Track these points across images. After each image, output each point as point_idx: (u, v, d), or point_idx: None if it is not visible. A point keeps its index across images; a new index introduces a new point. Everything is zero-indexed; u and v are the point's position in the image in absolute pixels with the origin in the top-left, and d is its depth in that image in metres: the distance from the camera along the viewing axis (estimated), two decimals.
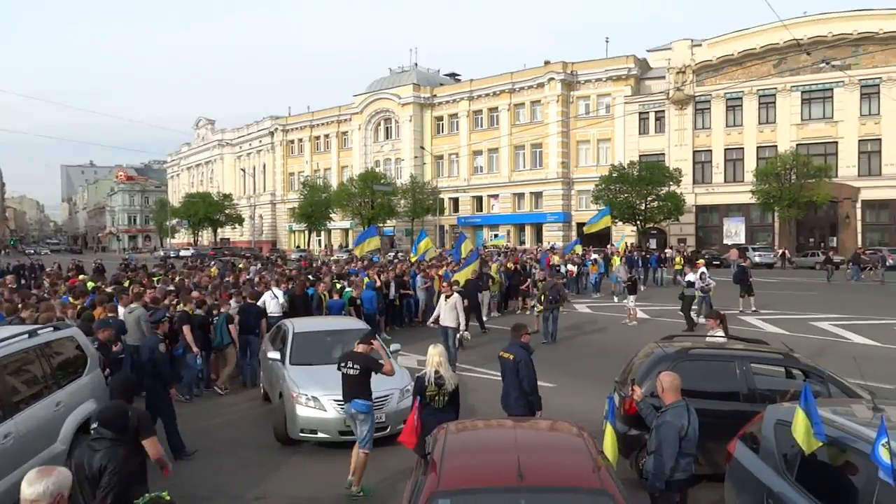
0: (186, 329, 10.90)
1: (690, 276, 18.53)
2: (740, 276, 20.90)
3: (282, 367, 9.58)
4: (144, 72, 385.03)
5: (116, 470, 4.39)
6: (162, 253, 71.37)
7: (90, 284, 15.76)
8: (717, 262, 38.91)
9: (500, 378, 7.90)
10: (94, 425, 4.76)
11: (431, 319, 14.36)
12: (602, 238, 41.90)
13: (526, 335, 7.69)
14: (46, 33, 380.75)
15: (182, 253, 65.94)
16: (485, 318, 18.60)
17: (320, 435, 8.61)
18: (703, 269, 19.10)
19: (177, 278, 18.78)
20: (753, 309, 20.21)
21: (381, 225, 53.38)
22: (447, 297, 13.39)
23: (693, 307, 18.04)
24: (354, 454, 7.21)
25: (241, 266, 27.10)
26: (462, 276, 17.38)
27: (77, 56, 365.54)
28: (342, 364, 7.36)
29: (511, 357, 7.45)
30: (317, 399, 8.59)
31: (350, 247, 59.85)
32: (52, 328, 7.42)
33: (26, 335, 6.76)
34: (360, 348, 7.43)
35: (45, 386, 6.67)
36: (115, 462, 4.44)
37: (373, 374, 7.30)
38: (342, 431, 8.38)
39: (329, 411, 8.50)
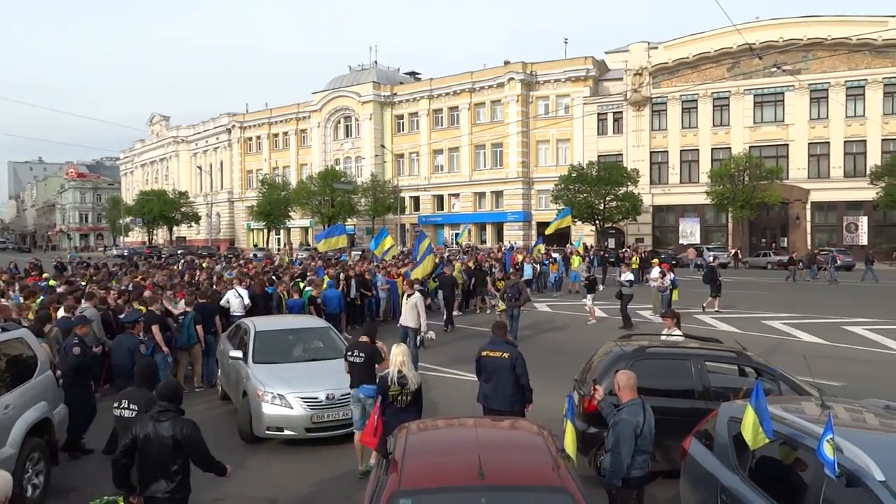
0: (156, 329, 10.71)
1: (628, 276, 18.77)
2: (710, 276, 21.19)
3: (244, 365, 9.48)
4: (96, 67, 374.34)
5: (193, 433, 5.05)
6: (119, 251, 69.50)
7: (52, 283, 15.37)
8: (674, 262, 39.66)
9: (465, 377, 7.95)
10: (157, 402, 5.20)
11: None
12: (562, 237, 42.40)
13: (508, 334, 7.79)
14: None
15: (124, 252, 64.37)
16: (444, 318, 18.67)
17: (287, 432, 8.61)
18: (660, 268, 19.53)
19: (138, 277, 18.40)
20: (716, 309, 20.55)
21: (342, 223, 52.95)
22: (408, 296, 13.35)
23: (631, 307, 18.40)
24: (357, 440, 7.51)
25: (204, 264, 26.66)
26: (418, 272, 17.44)
27: (23, 49, 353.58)
28: (349, 353, 8.03)
29: (507, 355, 7.43)
30: (283, 397, 8.59)
31: (311, 244, 59.44)
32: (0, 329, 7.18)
33: None
34: (363, 339, 8.09)
35: None
36: (188, 427, 5.03)
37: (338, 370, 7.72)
38: (308, 428, 8.50)
39: (295, 408, 8.52)
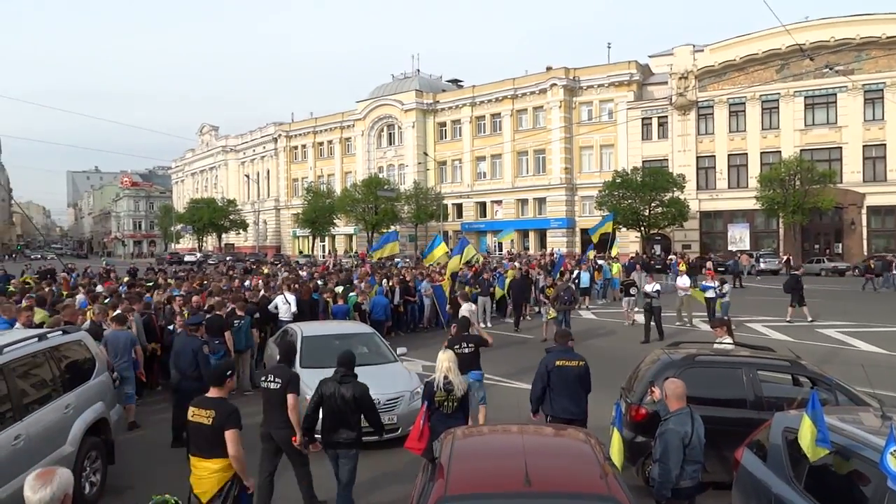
0: (228, 335, 11.05)
1: (654, 286, 18.17)
2: (793, 285, 19.69)
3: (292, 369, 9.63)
4: (149, 78, 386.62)
5: (366, 394, 6.38)
6: (192, 256, 71.16)
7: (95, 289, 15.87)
8: (722, 269, 38.83)
9: (510, 384, 7.90)
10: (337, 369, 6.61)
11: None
12: (605, 245, 41.79)
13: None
14: (51, 41, 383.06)
15: (187, 258, 66.07)
16: (482, 326, 18.57)
17: None
18: (718, 280, 19.15)
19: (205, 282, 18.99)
20: (810, 319, 19.19)
21: (384, 230, 53.42)
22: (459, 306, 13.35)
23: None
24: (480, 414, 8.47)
25: (265, 270, 27.14)
26: (451, 266, 17.90)
27: (82, 62, 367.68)
28: (457, 345, 8.70)
29: (582, 363, 7.40)
30: None
31: (356, 251, 60.08)
32: (60, 332, 7.46)
33: (36, 338, 6.80)
34: (472, 330, 9.00)
35: (54, 389, 6.69)
36: (363, 389, 6.40)
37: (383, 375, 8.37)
38: None
39: None
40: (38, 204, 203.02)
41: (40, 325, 9.25)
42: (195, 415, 5.40)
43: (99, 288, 17.37)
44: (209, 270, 29.14)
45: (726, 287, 18.99)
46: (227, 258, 57.03)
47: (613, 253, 30.98)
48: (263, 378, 6.81)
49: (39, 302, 11.68)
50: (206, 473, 5.23)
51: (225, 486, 5.24)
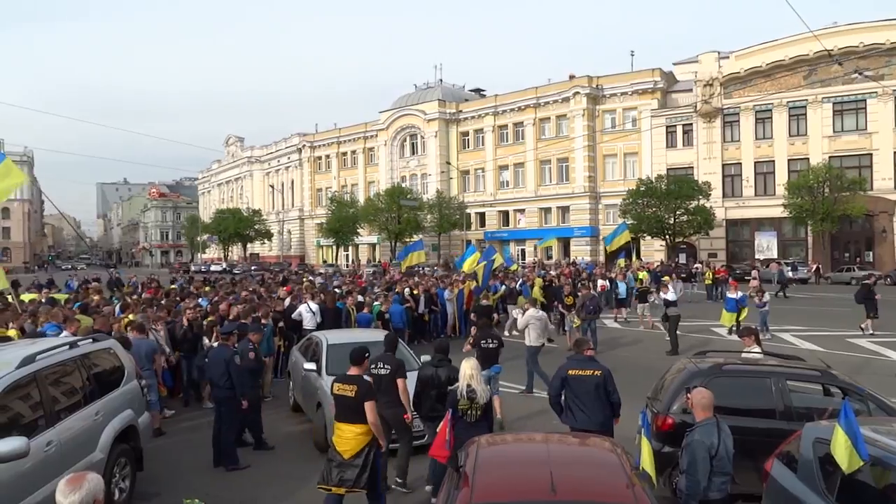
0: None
1: (670, 294, 17.90)
2: (865, 295, 18.70)
3: (318, 377, 9.72)
4: (176, 92, 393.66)
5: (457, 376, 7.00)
6: (197, 268, 72.27)
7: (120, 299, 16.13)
8: (748, 278, 38.29)
9: (540, 395, 7.83)
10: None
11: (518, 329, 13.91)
12: (628, 253, 41.47)
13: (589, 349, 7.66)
14: (84, 58, 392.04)
15: (213, 267, 66.94)
16: (506, 334, 18.51)
17: None
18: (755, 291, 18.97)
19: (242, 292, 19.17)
20: (871, 332, 18.33)
21: (408, 239, 53.61)
22: (524, 311, 13.17)
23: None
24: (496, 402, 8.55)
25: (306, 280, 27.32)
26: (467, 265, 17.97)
27: (111, 77, 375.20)
28: (483, 341, 9.94)
29: (598, 373, 7.20)
30: None
31: (377, 261, 60.35)
32: (91, 339, 7.58)
33: (67, 346, 6.92)
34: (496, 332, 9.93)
35: (84, 396, 6.80)
36: (455, 370, 7.16)
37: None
38: None
39: None
40: (69, 215, 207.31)
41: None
42: (340, 389, 6.47)
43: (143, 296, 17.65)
44: (241, 279, 29.41)
45: (766, 297, 18.71)
46: (252, 268, 57.63)
47: (634, 263, 30.69)
48: (373, 366, 7.57)
49: (83, 309, 11.96)
50: (350, 436, 6.32)
51: (364, 447, 6.28)
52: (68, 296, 18.43)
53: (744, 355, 8.61)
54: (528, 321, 12.53)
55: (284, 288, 19.33)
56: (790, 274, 38.55)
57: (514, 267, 32.02)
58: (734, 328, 18.51)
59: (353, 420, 6.31)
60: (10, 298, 13.57)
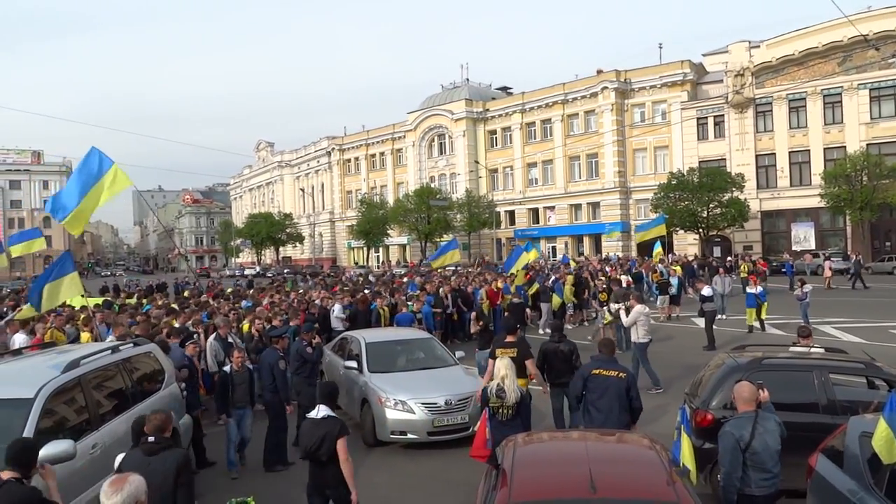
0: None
1: (707, 290, 17.54)
2: None
3: (360, 375, 9.95)
4: (208, 99, 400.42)
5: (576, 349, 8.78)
6: (231, 272, 73.39)
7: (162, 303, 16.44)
8: (783, 270, 37.52)
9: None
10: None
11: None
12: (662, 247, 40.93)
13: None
14: (121, 72, 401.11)
15: (247, 271, 67.84)
16: (541, 332, 18.48)
17: (410, 436, 9.06)
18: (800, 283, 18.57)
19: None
20: None
21: (438, 240, 53.71)
22: (627, 309, 12.96)
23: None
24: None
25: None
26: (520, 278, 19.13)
27: (144, 87, 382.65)
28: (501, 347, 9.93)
29: (623, 375, 7.04)
30: (404, 402, 9.04)
31: (408, 261, 60.56)
32: (132, 344, 7.75)
33: (109, 351, 7.09)
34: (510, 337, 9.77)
35: (127, 399, 6.96)
36: (574, 345, 8.95)
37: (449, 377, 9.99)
38: (430, 432, 8.95)
39: (417, 413, 8.95)
40: (107, 223, 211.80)
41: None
42: (503, 353, 7.73)
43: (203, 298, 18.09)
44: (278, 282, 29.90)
45: (808, 288, 18.32)
46: (285, 271, 58.22)
47: (655, 258, 30.26)
48: (501, 349, 8.48)
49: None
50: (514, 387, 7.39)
51: (523, 394, 7.10)
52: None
53: (792, 349, 8.38)
54: (636, 317, 12.45)
55: (332, 289, 19.63)
56: (816, 265, 37.59)
57: (571, 263, 31.88)
58: (755, 326, 18.22)
59: (518, 376, 7.49)
60: (82, 301, 13.84)
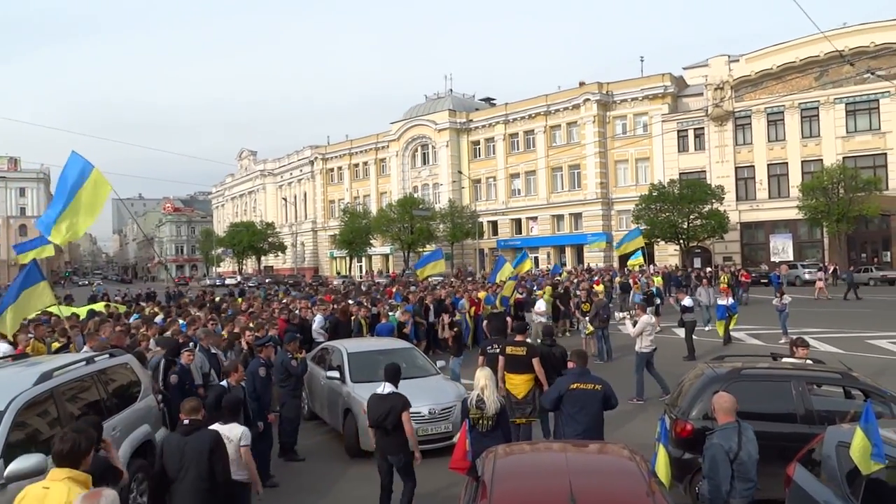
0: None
1: (687, 300, 17.63)
2: None
3: (342, 385, 9.88)
4: (189, 107, 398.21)
5: (566, 353, 8.71)
6: (212, 281, 72.67)
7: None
8: (766, 281, 37.99)
9: None
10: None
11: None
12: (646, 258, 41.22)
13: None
14: (99, 79, 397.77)
15: (227, 281, 67.27)
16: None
17: None
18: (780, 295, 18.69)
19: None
20: None
21: (421, 250, 53.66)
22: (633, 319, 13.05)
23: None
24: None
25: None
26: (507, 290, 18.74)
27: (124, 94, 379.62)
28: (489, 347, 10.00)
29: (599, 387, 7.03)
30: None
31: (390, 271, 60.42)
32: (107, 355, 7.61)
33: (84, 362, 6.96)
34: (518, 338, 9.93)
35: (101, 411, 6.82)
36: (564, 349, 9.22)
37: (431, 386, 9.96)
38: None
39: None
40: (85, 231, 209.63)
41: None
42: (514, 350, 8.86)
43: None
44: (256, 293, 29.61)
45: (786, 299, 18.50)
46: (267, 280, 57.82)
47: (634, 267, 30.57)
48: (489, 347, 9.61)
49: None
50: (520, 382, 8.72)
51: (531, 390, 8.63)
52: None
53: (786, 360, 8.40)
54: (643, 327, 12.49)
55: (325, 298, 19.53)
56: (807, 276, 38.18)
57: (563, 274, 31.97)
58: (733, 336, 18.37)
59: (523, 371, 8.70)
60: (56, 311, 13.59)
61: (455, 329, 13.82)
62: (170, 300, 26.92)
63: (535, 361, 8.73)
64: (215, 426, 6.01)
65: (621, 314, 14.32)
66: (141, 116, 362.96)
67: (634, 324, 12.83)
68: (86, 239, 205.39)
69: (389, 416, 6.66)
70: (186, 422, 5.58)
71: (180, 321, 13.73)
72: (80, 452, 3.89)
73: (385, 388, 6.91)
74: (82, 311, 17.05)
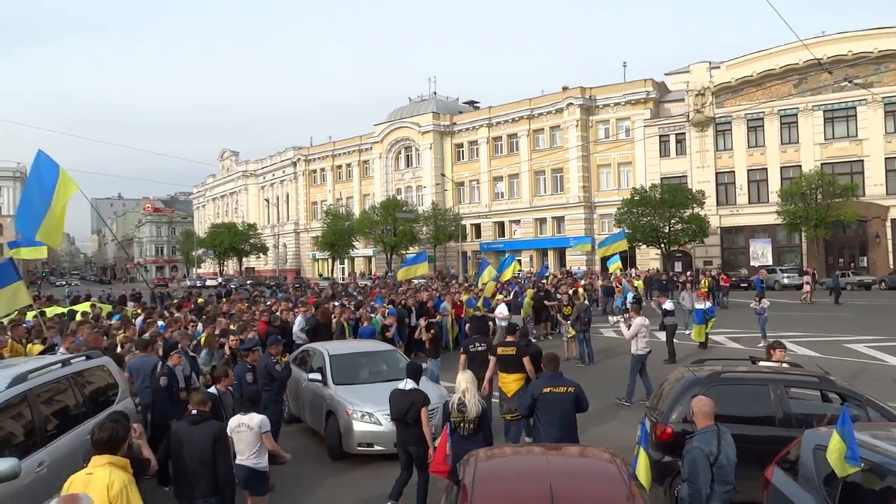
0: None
1: (668, 304, 17.74)
2: None
3: (325, 387, 9.83)
4: (170, 107, 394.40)
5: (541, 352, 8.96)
6: (192, 282, 71.98)
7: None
8: (745, 285, 38.44)
9: None
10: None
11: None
12: (623, 262, 41.46)
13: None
14: (74, 74, 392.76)
15: (208, 282, 66.68)
16: None
17: (377, 448, 8.93)
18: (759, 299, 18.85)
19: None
20: None
21: (404, 252, 53.56)
22: (627, 322, 13.11)
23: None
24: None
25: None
26: (488, 291, 19.25)
27: (104, 93, 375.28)
28: (472, 346, 10.59)
29: (571, 390, 7.08)
30: (371, 414, 8.95)
31: (373, 274, 60.24)
32: (84, 357, 7.50)
33: (59, 364, 6.85)
34: (509, 338, 9.97)
35: (78, 414, 6.72)
36: (539, 348, 9.78)
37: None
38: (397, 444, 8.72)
39: (384, 425, 8.73)
40: (63, 231, 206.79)
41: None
42: (504, 350, 9.25)
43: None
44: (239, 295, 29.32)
45: (765, 303, 18.71)
46: (248, 282, 57.37)
47: (612, 270, 30.84)
48: (472, 345, 10.41)
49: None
50: (510, 381, 9.05)
51: (520, 389, 8.72)
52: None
53: (763, 364, 8.46)
54: (638, 329, 12.54)
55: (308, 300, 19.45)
56: (786, 280, 38.70)
57: (548, 276, 31.99)
58: (713, 340, 18.54)
59: (514, 370, 9.03)
60: (30, 315, 13.40)
61: (433, 331, 13.80)
62: (155, 301, 26.66)
63: (526, 360, 8.97)
64: (236, 417, 6.66)
65: (615, 318, 14.35)
66: (121, 115, 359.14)
67: (629, 326, 12.93)
68: (63, 239, 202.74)
69: (411, 411, 7.04)
70: (195, 412, 5.98)
71: (159, 322, 13.59)
72: (119, 440, 4.28)
73: (407, 384, 7.29)
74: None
